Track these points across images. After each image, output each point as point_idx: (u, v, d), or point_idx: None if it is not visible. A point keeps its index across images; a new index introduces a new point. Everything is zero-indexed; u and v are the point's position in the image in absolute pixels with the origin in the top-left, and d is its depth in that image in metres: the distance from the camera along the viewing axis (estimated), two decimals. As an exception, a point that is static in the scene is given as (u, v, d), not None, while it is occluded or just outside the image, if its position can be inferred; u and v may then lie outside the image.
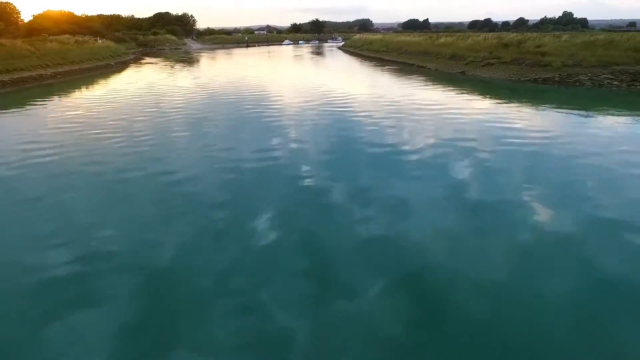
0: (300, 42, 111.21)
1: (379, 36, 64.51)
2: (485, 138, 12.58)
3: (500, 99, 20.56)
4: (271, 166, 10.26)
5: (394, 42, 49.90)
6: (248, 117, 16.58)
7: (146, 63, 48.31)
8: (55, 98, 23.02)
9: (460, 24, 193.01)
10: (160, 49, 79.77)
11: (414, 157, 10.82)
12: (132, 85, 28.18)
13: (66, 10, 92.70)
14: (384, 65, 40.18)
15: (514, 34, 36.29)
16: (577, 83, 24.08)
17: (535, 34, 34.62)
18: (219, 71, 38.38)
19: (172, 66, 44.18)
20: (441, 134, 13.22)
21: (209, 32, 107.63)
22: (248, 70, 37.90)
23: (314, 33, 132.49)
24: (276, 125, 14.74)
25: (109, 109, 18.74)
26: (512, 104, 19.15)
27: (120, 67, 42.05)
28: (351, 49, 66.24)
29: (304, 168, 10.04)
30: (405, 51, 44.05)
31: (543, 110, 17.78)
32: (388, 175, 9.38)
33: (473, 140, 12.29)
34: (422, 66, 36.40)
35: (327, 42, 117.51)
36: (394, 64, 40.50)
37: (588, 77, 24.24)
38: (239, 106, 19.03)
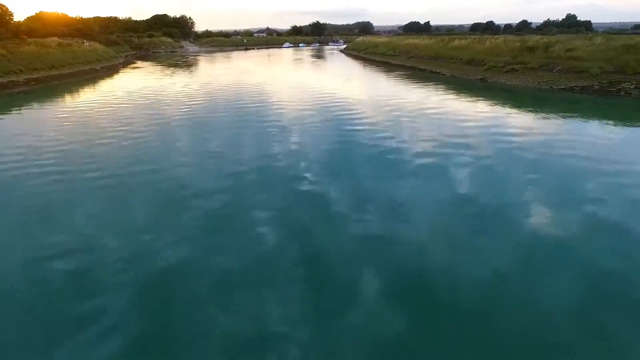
0: (300, 44, 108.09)
1: (384, 39, 61.31)
2: (534, 161, 10.47)
3: (538, 112, 17.35)
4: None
5: (402, 45, 46.65)
6: (241, 149, 12.82)
7: (136, 67, 45.11)
8: (14, 112, 19.73)
9: (461, 26, 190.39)
10: (155, 52, 76.64)
11: (461, 191, 8.78)
12: (109, 95, 24.88)
13: (60, 12, 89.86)
14: (393, 71, 36.94)
15: (539, 37, 32.89)
16: (622, 92, 20.79)
17: (563, 37, 31.27)
18: (211, 77, 35.13)
19: (162, 71, 40.94)
20: (485, 156, 10.64)
21: (207, 34, 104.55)
22: (244, 77, 34.63)
23: (314, 35, 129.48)
24: (283, 163, 10.85)
25: (67, 129, 15.43)
26: (550, 118, 16.07)
27: (106, 72, 38.82)
28: (355, 52, 63.05)
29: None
30: (415, 55, 40.79)
31: (586, 123, 14.75)
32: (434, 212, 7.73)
33: (525, 165, 10.35)
34: (435, 72, 33.13)
35: (328, 45, 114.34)
36: (404, 69, 37.25)
37: (634, 86, 20.94)
38: (229, 128, 15.61)
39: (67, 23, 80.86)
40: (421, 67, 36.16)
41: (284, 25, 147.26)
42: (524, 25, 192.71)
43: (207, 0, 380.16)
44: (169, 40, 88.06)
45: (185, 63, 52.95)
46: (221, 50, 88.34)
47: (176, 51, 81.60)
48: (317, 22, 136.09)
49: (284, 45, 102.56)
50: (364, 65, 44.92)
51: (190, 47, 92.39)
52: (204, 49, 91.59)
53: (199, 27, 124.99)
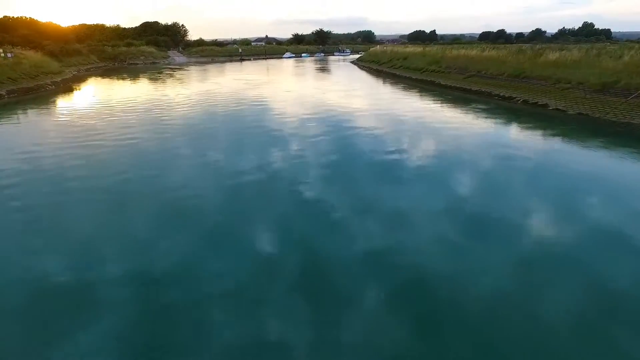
0: (303, 54, 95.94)
1: (416, 48, 48.75)
2: None
3: None
4: None
5: (450, 58, 34.12)
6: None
7: (77, 89, 32.35)
8: None
9: (468, 36, 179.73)
10: (133, 64, 64.23)
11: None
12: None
13: (28, 16, 77.47)
14: (459, 102, 24.24)
15: None
16: None
17: None
18: (180, 103, 22.43)
19: (111, 91, 28.21)
20: None
21: (198, 43, 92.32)
22: (227, 108, 21.91)
23: (318, 44, 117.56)
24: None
25: None
26: None
27: (14, 97, 25.89)
28: (374, 66, 50.55)
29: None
30: (475, 72, 28.25)
31: None
32: None
33: None
34: (538, 103, 20.51)
35: (334, 55, 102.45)
36: (474, 97, 24.62)
37: None
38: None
39: (37, 29, 68.51)
40: (501, 93, 23.57)
41: (283, 34, 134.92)
42: (538, 34, 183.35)
43: (202, 9, 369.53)
44: (152, 50, 75.71)
45: (158, 79, 40.33)
46: (212, 62, 75.97)
47: (158, 62, 69.19)
48: (321, 30, 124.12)
49: (284, 56, 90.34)
50: (398, 87, 32.25)
51: (178, 58, 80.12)
52: (194, 59, 79.27)
53: (194, 36, 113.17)
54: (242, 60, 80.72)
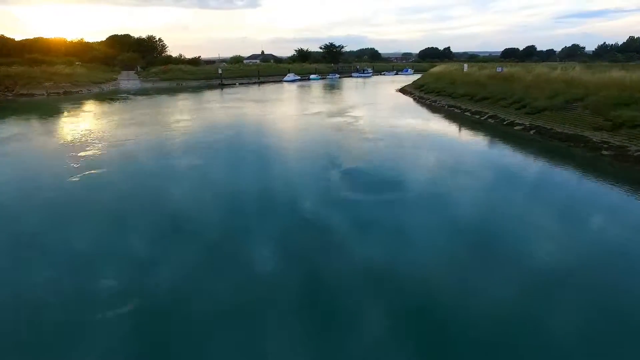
0: (312, 76, 69.65)
1: (550, 71, 22.19)
2: None
3: None
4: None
5: None
6: None
7: None
8: None
9: (485, 53, 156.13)
10: (26, 95, 37.63)
11: None
12: None
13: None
14: None
15: None
16: None
17: None
18: None
19: None
20: None
21: (165, 60, 65.57)
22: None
23: (328, 63, 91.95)
24: None
25: None
26: None
27: None
28: (460, 105, 23.90)
29: None
30: None
31: None
32: None
33: None
34: None
35: (352, 77, 76.45)
36: None
37: None
38: None
39: None
40: None
41: (282, 53, 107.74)
42: (575, 50, 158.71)
43: (200, 28, 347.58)
44: (82, 71, 49.33)
45: None
46: (176, 89, 49.63)
47: (82, 92, 42.49)
48: (331, 44, 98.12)
49: (286, 78, 63.90)
50: None
51: (128, 82, 53.83)
52: (150, 85, 52.97)
53: (174, 52, 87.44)
54: (222, 85, 54.30)
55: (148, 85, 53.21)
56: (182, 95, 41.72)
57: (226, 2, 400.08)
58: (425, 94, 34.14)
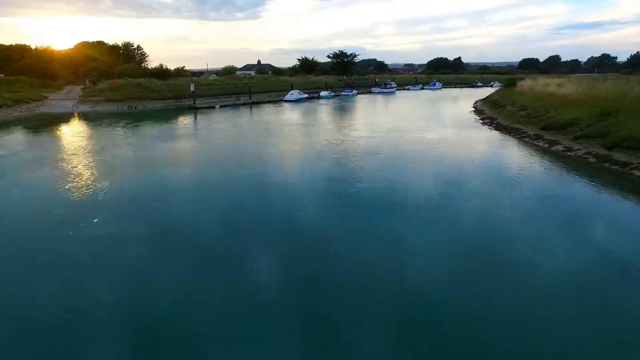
0: (322, 93, 52.33)
1: None
2: None
3: None
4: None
5: None
6: None
7: None
8: None
9: (500, 64, 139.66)
10: None
11: None
12: None
13: None
14: None
15: None
16: None
17: None
18: None
19: None
20: None
21: (124, 72, 47.81)
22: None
23: (338, 74, 75.03)
24: None
25: None
26: None
27: None
28: None
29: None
30: None
31: None
32: None
33: None
34: None
35: (371, 93, 59.50)
36: None
37: None
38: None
39: None
40: None
41: (281, 64, 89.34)
42: (606, 60, 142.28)
43: (201, 40, 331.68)
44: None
45: None
46: (120, 116, 32.49)
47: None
48: (342, 52, 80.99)
49: (288, 97, 46.40)
50: None
51: (57, 105, 36.80)
52: (88, 108, 35.83)
53: (155, 62, 70.07)
54: (194, 109, 36.72)
55: (85, 108, 36.04)
56: (119, 126, 24.40)
57: (226, 13, 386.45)
58: (544, 132, 16.64)
